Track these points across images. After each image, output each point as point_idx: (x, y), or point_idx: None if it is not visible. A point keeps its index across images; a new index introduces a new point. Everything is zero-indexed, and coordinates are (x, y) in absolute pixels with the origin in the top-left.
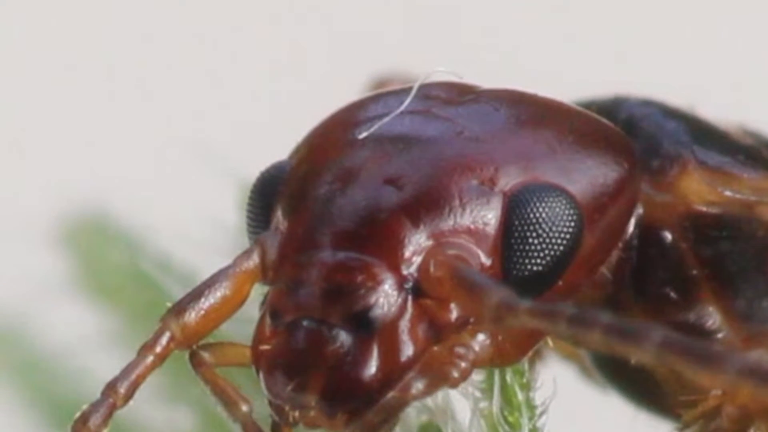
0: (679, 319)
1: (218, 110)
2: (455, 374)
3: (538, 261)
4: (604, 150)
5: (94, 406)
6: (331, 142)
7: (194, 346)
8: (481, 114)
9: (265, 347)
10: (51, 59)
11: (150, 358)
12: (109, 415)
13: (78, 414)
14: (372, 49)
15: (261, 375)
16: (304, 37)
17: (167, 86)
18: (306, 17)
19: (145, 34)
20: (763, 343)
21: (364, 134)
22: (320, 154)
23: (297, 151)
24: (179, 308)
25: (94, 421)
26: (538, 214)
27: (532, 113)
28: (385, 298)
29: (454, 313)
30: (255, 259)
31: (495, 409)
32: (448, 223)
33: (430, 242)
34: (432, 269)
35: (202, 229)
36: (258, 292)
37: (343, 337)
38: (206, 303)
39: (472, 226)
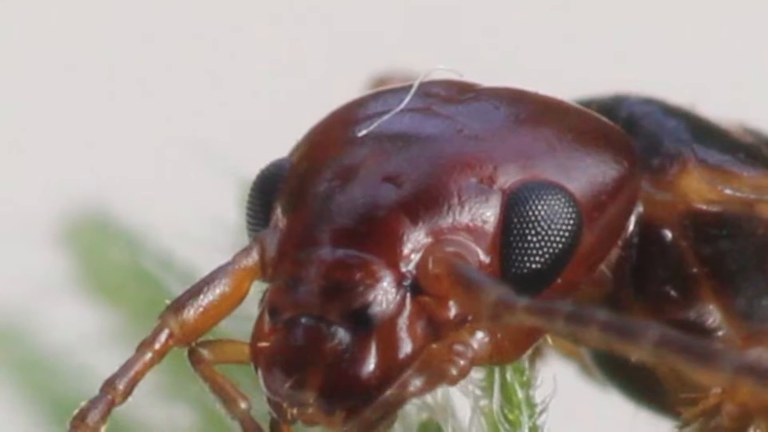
0: (679, 318)
1: (218, 109)
2: (454, 372)
3: (537, 259)
4: (603, 148)
5: (93, 403)
6: (331, 139)
7: (193, 343)
8: (481, 112)
9: (264, 344)
10: (51, 59)
11: (149, 355)
12: (108, 411)
13: (76, 410)
14: (372, 48)
15: (260, 372)
16: (304, 36)
17: (167, 86)
18: (306, 17)
19: (145, 34)
20: (763, 342)
21: (363, 132)
22: (320, 151)
23: (297, 148)
24: (178, 305)
25: (93, 417)
26: (537, 212)
27: (532, 111)
28: (384, 295)
29: (452, 311)
30: (254, 257)
31: (495, 406)
32: (446, 221)
33: (428, 240)
34: (431, 267)
35: (203, 228)
36: (257, 289)
37: (342, 335)
38: (205, 300)
39: (470, 224)
